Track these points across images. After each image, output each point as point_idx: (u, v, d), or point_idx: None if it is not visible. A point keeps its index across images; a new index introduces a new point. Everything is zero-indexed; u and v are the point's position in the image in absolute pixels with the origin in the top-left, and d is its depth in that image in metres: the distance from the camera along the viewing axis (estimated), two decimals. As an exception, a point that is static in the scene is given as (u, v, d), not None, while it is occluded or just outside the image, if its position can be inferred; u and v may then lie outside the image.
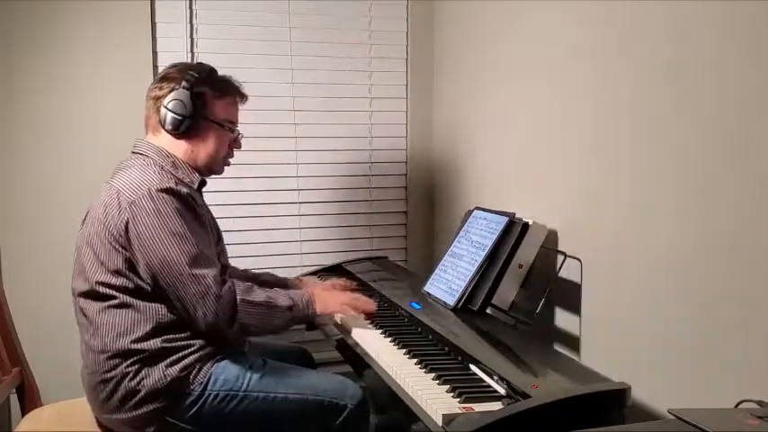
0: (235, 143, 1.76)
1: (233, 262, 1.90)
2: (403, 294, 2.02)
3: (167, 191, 1.53)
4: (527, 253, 1.84)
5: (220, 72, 1.73)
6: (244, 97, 1.76)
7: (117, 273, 1.53)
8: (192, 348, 1.56)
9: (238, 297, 1.55)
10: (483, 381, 1.40)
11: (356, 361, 1.75)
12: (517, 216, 1.89)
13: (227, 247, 1.81)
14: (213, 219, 1.73)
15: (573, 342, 1.85)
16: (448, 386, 1.36)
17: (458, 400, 1.30)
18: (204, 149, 1.68)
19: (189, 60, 2.40)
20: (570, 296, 1.84)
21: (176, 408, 1.54)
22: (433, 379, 1.41)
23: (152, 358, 1.53)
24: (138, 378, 1.52)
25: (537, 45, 1.99)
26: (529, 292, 1.84)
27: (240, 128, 1.77)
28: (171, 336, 1.55)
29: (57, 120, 2.31)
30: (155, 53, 2.39)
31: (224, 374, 1.57)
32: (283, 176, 2.58)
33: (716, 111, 1.39)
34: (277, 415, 1.59)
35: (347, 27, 2.60)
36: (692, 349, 1.47)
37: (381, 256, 2.63)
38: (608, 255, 1.72)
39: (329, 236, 2.66)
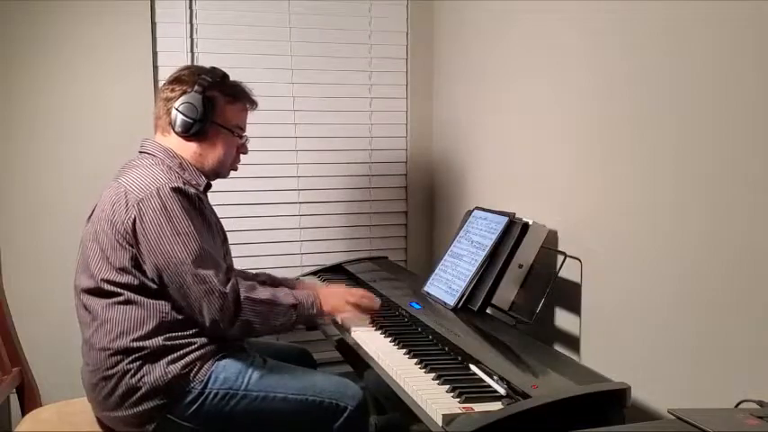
0: (242, 148, 1.78)
1: (233, 263, 1.90)
2: (403, 294, 2.02)
3: (175, 190, 1.54)
4: (527, 253, 1.84)
5: (207, 66, 1.74)
6: (254, 104, 1.79)
7: (122, 270, 1.54)
8: (194, 346, 1.57)
9: (242, 295, 1.56)
10: (483, 381, 1.40)
11: (356, 361, 1.75)
12: (517, 216, 1.89)
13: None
14: (219, 221, 1.74)
15: (573, 342, 1.85)
16: (448, 386, 1.36)
17: (458, 400, 1.30)
18: (212, 153, 1.70)
19: (189, 60, 2.41)
20: (570, 296, 1.84)
21: (177, 405, 1.54)
22: (433, 379, 1.41)
23: (153, 355, 1.53)
24: (138, 375, 1.52)
25: (537, 45, 1.99)
26: (529, 292, 1.84)
27: (247, 133, 1.79)
28: (173, 333, 1.56)
29: (56, 119, 2.31)
30: (155, 53, 2.39)
31: (224, 373, 1.57)
32: (283, 176, 2.58)
33: (716, 111, 1.39)
34: (277, 414, 1.59)
35: (347, 27, 2.60)
36: (692, 349, 1.47)
37: (381, 256, 2.63)
38: (608, 255, 1.72)
39: (329, 236, 2.66)
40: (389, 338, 1.68)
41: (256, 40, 2.50)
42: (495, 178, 2.27)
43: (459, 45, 2.49)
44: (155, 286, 1.55)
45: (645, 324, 1.60)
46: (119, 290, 1.55)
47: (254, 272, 2.02)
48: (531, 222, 1.85)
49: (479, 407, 1.26)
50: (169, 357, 1.54)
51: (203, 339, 1.58)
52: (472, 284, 1.86)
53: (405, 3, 2.66)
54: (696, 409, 1.03)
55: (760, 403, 1.13)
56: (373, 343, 1.66)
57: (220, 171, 1.75)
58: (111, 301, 1.55)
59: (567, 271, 1.83)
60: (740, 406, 1.14)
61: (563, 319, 1.91)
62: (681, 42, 1.47)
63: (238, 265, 2.03)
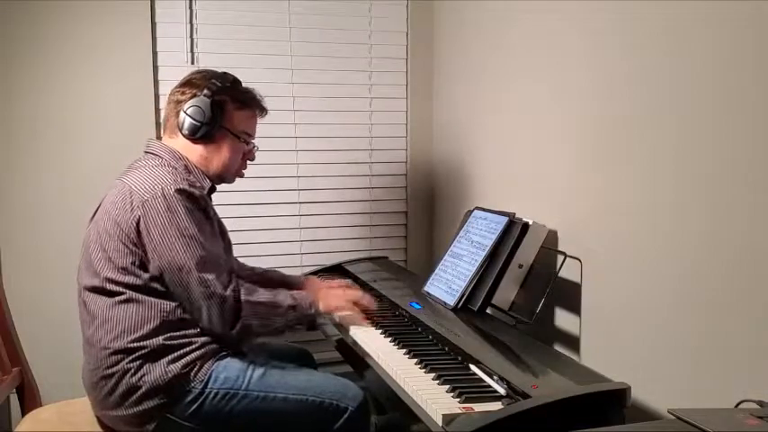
0: (249, 155, 1.79)
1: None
2: (403, 294, 2.02)
3: (181, 191, 1.55)
4: (527, 253, 1.84)
5: (219, 71, 1.74)
6: (264, 111, 1.79)
7: (125, 270, 1.54)
8: (194, 345, 1.57)
9: (242, 298, 1.57)
10: (483, 381, 1.40)
11: (356, 361, 1.75)
12: (517, 216, 1.89)
13: (227, 247, 1.82)
14: (222, 223, 1.74)
15: (573, 342, 1.85)
16: (448, 386, 1.36)
17: (458, 400, 1.30)
18: (218, 157, 1.71)
19: (189, 60, 2.41)
20: (570, 296, 1.84)
21: (177, 405, 1.54)
22: (433, 379, 1.41)
23: (154, 355, 1.53)
24: (139, 374, 1.52)
25: (537, 45, 1.99)
26: (529, 292, 1.84)
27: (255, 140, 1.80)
28: (174, 333, 1.56)
29: (56, 120, 2.31)
30: (155, 53, 2.39)
31: (225, 373, 1.57)
32: (283, 176, 2.58)
33: (716, 111, 1.39)
34: (277, 415, 1.59)
35: (347, 27, 2.60)
36: (692, 349, 1.47)
37: (381, 256, 2.64)
38: (608, 255, 1.72)
39: (329, 236, 2.66)
40: (389, 338, 1.68)
41: (256, 40, 2.50)
42: (495, 178, 2.27)
43: (460, 45, 2.49)
44: (157, 286, 1.55)
45: (645, 324, 1.60)
46: (121, 289, 1.55)
47: (263, 269, 2.04)
48: (531, 222, 1.85)
49: (479, 407, 1.26)
50: (169, 357, 1.54)
51: (204, 339, 1.58)
52: (472, 284, 1.86)
53: (405, 3, 2.66)
54: (696, 409, 1.03)
55: (760, 403, 1.13)
56: (373, 343, 1.66)
57: (225, 176, 1.76)
58: (113, 300, 1.55)
59: (567, 271, 1.83)
60: (740, 406, 1.14)
61: (563, 319, 1.91)
62: (681, 42, 1.47)
63: (238, 265, 2.03)
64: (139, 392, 1.52)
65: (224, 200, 2.44)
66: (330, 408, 1.60)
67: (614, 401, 1.29)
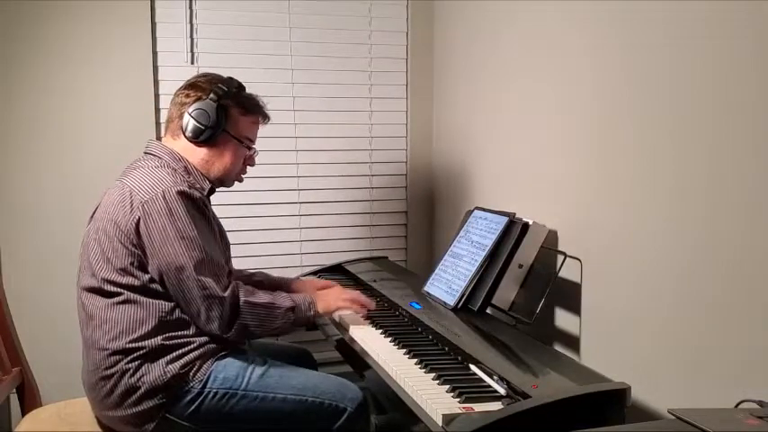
0: (249, 160, 1.80)
1: (233, 262, 1.90)
2: (403, 294, 2.01)
3: (181, 193, 1.55)
4: (527, 253, 1.84)
5: (224, 75, 1.75)
6: (267, 118, 1.80)
7: (123, 270, 1.54)
8: (193, 345, 1.57)
9: (241, 299, 1.58)
10: (483, 381, 1.40)
11: (356, 361, 1.75)
12: (517, 216, 1.89)
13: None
14: (221, 225, 1.75)
15: (573, 342, 1.85)
16: (448, 386, 1.36)
17: (458, 400, 1.30)
18: (219, 161, 1.71)
19: (189, 60, 2.41)
20: (570, 296, 1.84)
21: (176, 405, 1.54)
22: (433, 379, 1.41)
23: (153, 355, 1.54)
24: (138, 374, 1.52)
25: (537, 45, 1.99)
26: (529, 292, 1.84)
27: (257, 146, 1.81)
28: (172, 333, 1.56)
29: (56, 119, 2.31)
30: (155, 53, 2.39)
31: (224, 372, 1.57)
32: (283, 176, 2.58)
33: (715, 111, 1.39)
34: (276, 415, 1.59)
35: (347, 27, 2.60)
36: (692, 349, 1.47)
37: (381, 256, 2.64)
38: (608, 255, 1.72)
39: (329, 236, 2.66)
40: (389, 338, 1.68)
41: (256, 40, 2.50)
42: (495, 178, 2.27)
43: (460, 45, 2.49)
44: (156, 287, 1.55)
45: (645, 324, 1.60)
46: (119, 290, 1.55)
47: (250, 271, 2.03)
48: (531, 222, 1.85)
49: (479, 407, 1.26)
50: (168, 357, 1.54)
51: (203, 339, 1.58)
52: (472, 284, 1.86)
53: (405, 3, 2.66)
54: (696, 409, 1.03)
55: (760, 403, 1.13)
56: (373, 343, 1.66)
57: (225, 180, 1.76)
58: (111, 300, 1.55)
59: (567, 271, 1.83)
60: (740, 406, 1.14)
61: (563, 319, 1.91)
62: (681, 42, 1.47)
63: (238, 265, 2.03)
64: (138, 393, 1.52)
65: (224, 200, 2.44)
66: (329, 408, 1.60)
67: (614, 401, 1.29)
